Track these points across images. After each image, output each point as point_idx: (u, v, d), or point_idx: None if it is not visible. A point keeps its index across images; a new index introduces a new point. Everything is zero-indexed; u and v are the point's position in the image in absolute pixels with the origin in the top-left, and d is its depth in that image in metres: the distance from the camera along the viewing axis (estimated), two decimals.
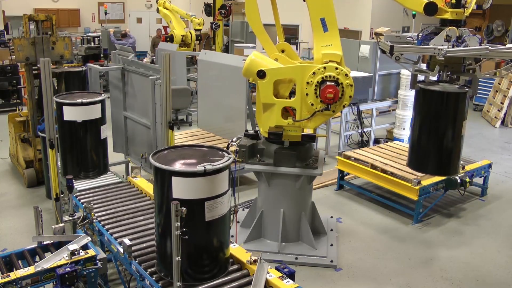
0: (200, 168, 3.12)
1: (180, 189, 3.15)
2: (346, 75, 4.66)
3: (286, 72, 4.81)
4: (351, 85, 4.68)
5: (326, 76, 4.63)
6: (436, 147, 4.75)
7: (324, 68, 4.63)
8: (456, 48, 4.31)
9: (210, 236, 3.35)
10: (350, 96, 4.71)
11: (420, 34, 4.72)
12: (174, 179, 3.14)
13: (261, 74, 4.72)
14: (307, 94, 4.69)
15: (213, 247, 3.39)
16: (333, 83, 4.60)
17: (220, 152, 3.49)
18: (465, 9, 4.46)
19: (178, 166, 3.24)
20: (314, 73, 4.65)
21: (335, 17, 4.72)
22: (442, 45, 4.28)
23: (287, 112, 4.93)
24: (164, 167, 3.18)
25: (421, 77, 4.94)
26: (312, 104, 4.70)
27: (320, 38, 4.75)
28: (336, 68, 4.63)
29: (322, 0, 4.66)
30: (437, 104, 4.63)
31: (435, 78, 4.81)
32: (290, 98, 4.91)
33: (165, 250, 3.33)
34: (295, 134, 4.84)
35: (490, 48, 4.21)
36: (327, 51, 4.74)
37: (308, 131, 4.98)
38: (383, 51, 5.00)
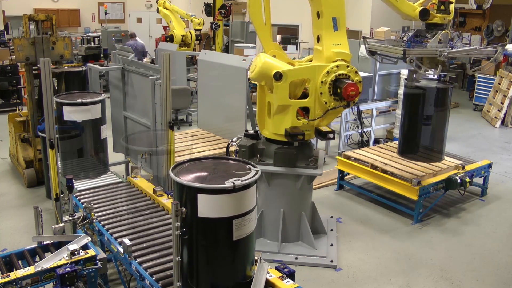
0: (229, 184, 2.87)
1: (207, 207, 2.88)
2: (356, 72, 4.77)
3: (302, 72, 4.80)
4: (360, 82, 4.78)
5: (339, 75, 4.69)
6: (423, 136, 5.97)
7: (337, 66, 4.69)
8: (455, 50, 5.10)
9: (238, 256, 3.11)
10: (360, 93, 4.78)
11: (406, 36, 5.63)
12: (200, 196, 2.86)
13: (278, 76, 4.64)
14: (321, 93, 4.71)
15: (240, 268, 3.16)
16: (349, 81, 4.67)
17: (247, 166, 3.23)
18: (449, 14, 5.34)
19: (203, 182, 2.96)
20: (328, 72, 4.68)
21: (345, 17, 4.79)
22: (437, 47, 5.11)
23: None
24: (189, 183, 2.90)
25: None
26: (325, 103, 4.73)
27: (330, 37, 4.77)
28: (348, 66, 4.73)
29: (337, 0, 4.71)
30: (424, 98, 5.79)
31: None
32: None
33: (188, 272, 3.15)
34: (309, 133, 4.85)
35: (477, 48, 5.37)
36: (338, 50, 4.78)
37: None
38: (371, 53, 5.89)
